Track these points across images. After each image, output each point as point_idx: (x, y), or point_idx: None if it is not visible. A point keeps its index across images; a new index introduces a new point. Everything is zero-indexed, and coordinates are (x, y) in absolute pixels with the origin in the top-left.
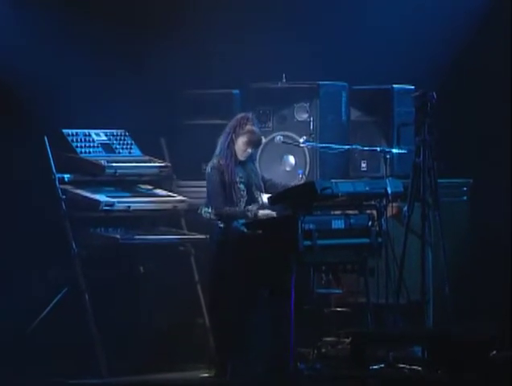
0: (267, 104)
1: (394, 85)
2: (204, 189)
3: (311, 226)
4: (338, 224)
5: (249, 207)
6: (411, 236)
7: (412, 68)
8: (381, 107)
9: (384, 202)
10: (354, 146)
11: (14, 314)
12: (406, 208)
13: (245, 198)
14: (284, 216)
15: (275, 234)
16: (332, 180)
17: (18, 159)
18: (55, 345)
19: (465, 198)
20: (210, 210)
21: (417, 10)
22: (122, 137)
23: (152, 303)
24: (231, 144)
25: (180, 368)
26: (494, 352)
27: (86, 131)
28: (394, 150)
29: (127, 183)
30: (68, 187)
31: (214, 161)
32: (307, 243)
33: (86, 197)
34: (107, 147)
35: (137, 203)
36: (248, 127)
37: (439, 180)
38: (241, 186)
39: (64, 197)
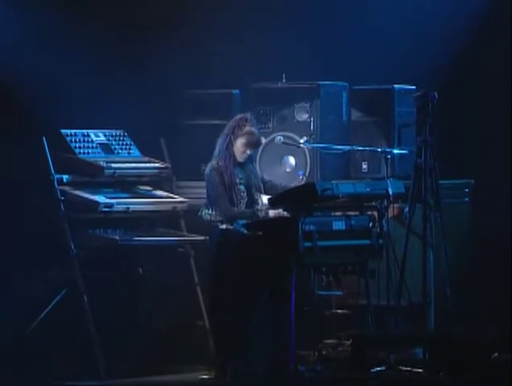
0: (267, 104)
1: (395, 85)
2: (204, 190)
3: (312, 227)
4: (339, 226)
5: (258, 207)
6: (412, 237)
7: (412, 68)
8: (382, 107)
9: (385, 203)
10: (355, 147)
11: (13, 315)
12: (407, 209)
13: (246, 199)
14: (284, 218)
15: (275, 235)
16: (333, 181)
17: (16, 160)
18: (54, 346)
19: (467, 199)
20: (211, 211)
21: (417, 10)
22: (121, 138)
23: (151, 305)
24: (230, 145)
25: (180, 370)
26: (496, 354)
27: (85, 131)
28: (395, 151)
29: (126, 184)
30: (67, 188)
31: (213, 162)
32: (308, 244)
33: (85, 198)
34: (106, 148)
35: (136, 204)
36: (247, 128)
37: (441, 181)
38: (241, 187)
39: (62, 198)
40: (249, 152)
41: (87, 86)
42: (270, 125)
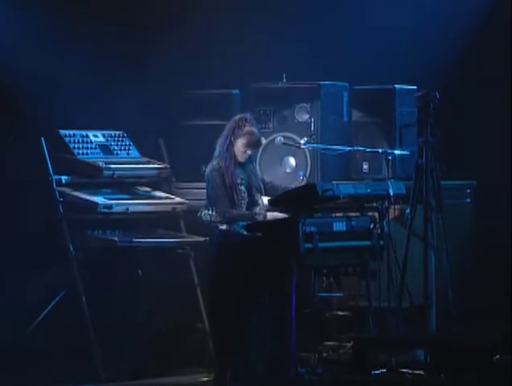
0: (267, 104)
1: (396, 85)
2: (204, 191)
3: (312, 228)
4: (339, 227)
5: (257, 210)
6: (414, 238)
7: (413, 68)
8: (382, 107)
9: (386, 204)
10: (356, 148)
11: (12, 317)
12: (408, 210)
13: (247, 200)
14: (285, 219)
15: (276, 236)
16: (334, 182)
17: (14, 160)
18: (53, 348)
19: (469, 200)
20: (211, 212)
21: (417, 10)
22: (120, 139)
23: (151, 306)
24: (230, 146)
25: (179, 372)
26: (497, 356)
27: (83, 132)
28: (396, 152)
29: (125, 185)
30: (66, 189)
31: (214, 163)
32: (308, 245)
33: (84, 199)
34: (105, 148)
35: (135, 205)
36: (247, 128)
37: (442, 182)
38: (242, 187)
39: (61, 199)
40: (249, 152)
41: (86, 86)
42: (271, 126)
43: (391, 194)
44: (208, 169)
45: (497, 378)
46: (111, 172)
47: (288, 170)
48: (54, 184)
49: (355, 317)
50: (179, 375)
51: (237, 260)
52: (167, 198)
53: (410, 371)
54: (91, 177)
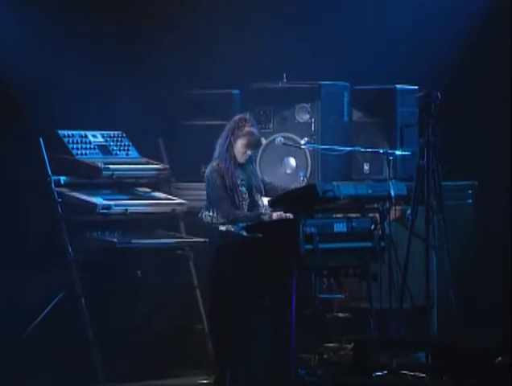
0: (268, 104)
1: (397, 85)
2: (204, 192)
3: (313, 229)
4: (340, 228)
5: (263, 210)
6: (415, 239)
7: (413, 68)
8: (383, 107)
9: (387, 205)
10: (356, 148)
11: (11, 318)
12: (409, 211)
13: (247, 200)
14: (285, 220)
15: (276, 237)
16: (334, 183)
17: (13, 161)
18: (52, 349)
19: (470, 201)
20: (211, 213)
21: (417, 10)
22: (119, 139)
23: (150, 308)
24: (230, 147)
25: (179, 374)
26: (499, 358)
27: (82, 132)
28: (398, 152)
29: (124, 186)
30: (64, 190)
31: (213, 164)
32: (309, 247)
33: (82, 200)
34: (104, 149)
35: (134, 205)
36: (246, 129)
37: (444, 183)
38: (243, 188)
39: (59, 200)
40: (249, 153)
41: (85, 86)
42: (271, 126)
43: (392, 195)
44: (207, 170)
45: (499, 380)
46: (110, 172)
47: (288, 171)
48: (52, 185)
49: (356, 318)
50: (179, 376)
51: (237, 262)
52: (166, 198)
53: (411, 373)
54: (90, 177)
